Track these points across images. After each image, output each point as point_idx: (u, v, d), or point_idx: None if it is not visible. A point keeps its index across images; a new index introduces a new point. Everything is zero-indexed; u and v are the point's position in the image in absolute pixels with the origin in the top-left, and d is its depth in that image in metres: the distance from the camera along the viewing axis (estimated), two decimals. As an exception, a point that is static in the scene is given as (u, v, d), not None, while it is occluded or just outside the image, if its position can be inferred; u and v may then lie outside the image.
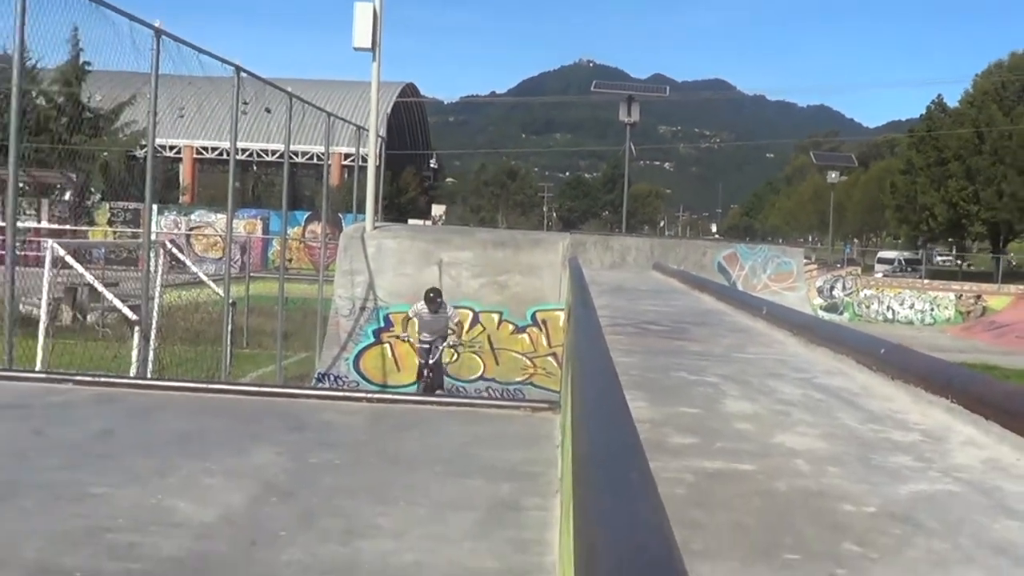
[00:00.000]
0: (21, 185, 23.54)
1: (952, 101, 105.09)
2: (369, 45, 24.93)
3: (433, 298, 22.30)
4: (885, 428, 4.61)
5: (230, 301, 22.60)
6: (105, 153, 55.61)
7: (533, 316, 23.79)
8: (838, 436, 4.36)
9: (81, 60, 49.49)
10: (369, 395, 10.22)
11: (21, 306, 18.12)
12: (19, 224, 15.81)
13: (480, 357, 23.92)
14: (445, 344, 22.86)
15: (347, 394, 10.46)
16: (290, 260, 37.47)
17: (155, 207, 22.03)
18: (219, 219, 61.84)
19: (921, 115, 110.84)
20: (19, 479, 6.57)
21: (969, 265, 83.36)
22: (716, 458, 3.77)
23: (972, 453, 4.13)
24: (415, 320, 22.90)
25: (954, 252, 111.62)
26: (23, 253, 24.10)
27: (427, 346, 22.41)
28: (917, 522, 3.11)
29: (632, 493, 2.35)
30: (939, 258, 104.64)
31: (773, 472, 3.61)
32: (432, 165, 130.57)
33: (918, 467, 3.86)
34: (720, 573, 2.58)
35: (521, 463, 7.58)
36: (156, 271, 20.31)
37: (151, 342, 18.86)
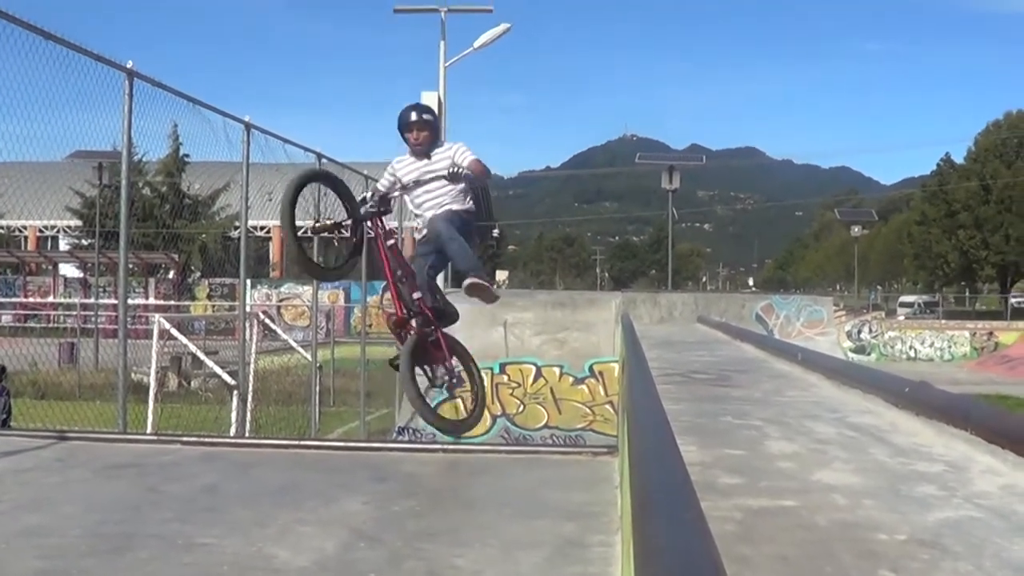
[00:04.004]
0: (130, 266, 23.79)
1: (958, 158, 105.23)
2: (434, 131, 25.05)
3: (419, 122, 10.01)
4: (912, 461, 4.58)
5: (317, 365, 22.73)
6: (203, 235, 56.24)
7: (590, 368, 23.70)
8: (870, 470, 4.34)
9: (181, 153, 50.23)
10: (444, 446, 10.24)
11: (132, 374, 18.28)
12: (129, 301, 15.95)
13: (544, 407, 23.80)
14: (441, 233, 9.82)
15: (425, 446, 10.48)
16: (370, 326, 37.41)
17: (249, 282, 22.19)
18: (306, 291, 62.03)
19: (932, 171, 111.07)
20: (135, 531, 6.63)
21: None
22: (761, 496, 3.76)
23: (991, 480, 4.11)
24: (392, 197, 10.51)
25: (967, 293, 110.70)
26: (133, 327, 24.32)
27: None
28: (944, 547, 3.10)
29: (686, 533, 2.35)
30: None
31: (813, 507, 3.60)
32: (495, 235, 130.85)
33: (943, 495, 3.85)
34: (767, 602, 2.58)
35: (584, 504, 7.56)
36: (251, 340, 20.42)
37: (248, 404, 18.98)
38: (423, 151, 10.07)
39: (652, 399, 5.07)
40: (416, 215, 10.37)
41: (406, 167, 10.14)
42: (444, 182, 9.85)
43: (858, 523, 3.39)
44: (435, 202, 9.93)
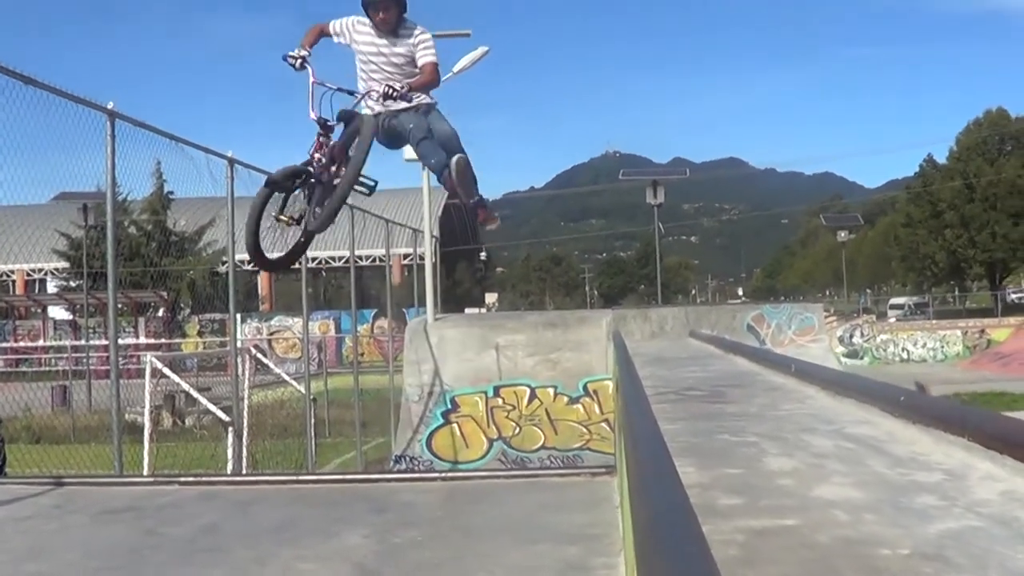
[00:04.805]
0: (119, 306, 23.77)
1: (941, 158, 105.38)
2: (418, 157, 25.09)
3: (384, 1, 9.31)
4: (911, 471, 4.57)
5: (311, 397, 22.68)
6: (191, 272, 56.27)
7: (584, 387, 23.71)
8: (870, 483, 4.32)
9: (165, 190, 50.32)
10: (443, 474, 10.24)
11: (126, 415, 18.25)
12: (120, 341, 15.93)
13: (540, 429, 23.80)
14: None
15: (422, 475, 10.50)
16: (362, 355, 37.45)
17: (238, 317, 22.19)
18: (296, 323, 62.06)
19: (915, 173, 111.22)
20: (136, 576, 6.60)
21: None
22: (762, 516, 3.74)
23: (991, 487, 4.10)
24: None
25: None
26: (125, 367, 24.28)
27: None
28: (947, 559, 3.08)
29: (690, 562, 2.34)
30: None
31: (815, 525, 3.58)
32: (482, 258, 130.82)
33: (943, 506, 3.83)
34: (773, 626, 2.56)
35: (585, 526, 7.55)
36: (243, 375, 20.39)
37: (243, 439, 18.93)
38: (389, 30, 9.42)
39: (648, 421, 5.06)
40: (367, 84, 9.44)
41: (366, 40, 9.45)
42: (407, 67, 9.40)
43: (861, 539, 3.38)
44: (392, 79, 9.23)
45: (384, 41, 9.37)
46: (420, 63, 9.39)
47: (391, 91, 9.03)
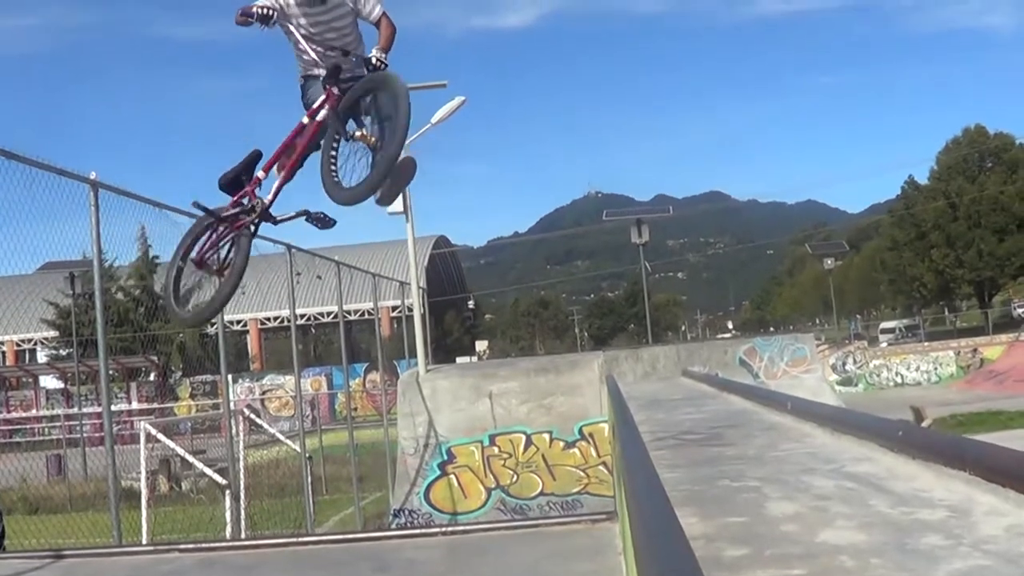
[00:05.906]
0: (111, 372, 23.73)
1: (922, 178, 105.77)
2: (401, 209, 25.25)
3: None
4: (914, 509, 4.53)
5: (307, 455, 22.61)
6: (180, 335, 56.19)
7: (580, 431, 23.69)
8: (874, 524, 4.29)
9: (151, 255, 50.27)
10: (443, 528, 10.18)
11: (122, 481, 18.18)
12: (113, 408, 15.88)
13: (538, 475, 23.76)
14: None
15: (423, 530, 10.42)
16: (355, 410, 37.40)
17: (230, 377, 22.14)
18: (287, 380, 61.94)
19: (897, 195, 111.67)
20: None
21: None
22: (769, 567, 3.70)
23: (995, 522, 4.06)
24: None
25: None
26: (119, 433, 24.22)
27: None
28: (957, 604, 3.06)
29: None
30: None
31: (822, 573, 3.54)
32: (471, 306, 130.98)
33: (949, 545, 3.79)
34: None
35: (588, 574, 7.51)
36: (238, 436, 20.32)
37: (241, 501, 18.86)
38: None
39: (647, 471, 5.03)
40: (307, 40, 8.39)
41: (296, 12, 8.30)
42: (346, 28, 8.40)
43: (869, 587, 3.35)
44: (342, 40, 8.42)
45: (318, 9, 8.32)
46: (373, 17, 8.41)
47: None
